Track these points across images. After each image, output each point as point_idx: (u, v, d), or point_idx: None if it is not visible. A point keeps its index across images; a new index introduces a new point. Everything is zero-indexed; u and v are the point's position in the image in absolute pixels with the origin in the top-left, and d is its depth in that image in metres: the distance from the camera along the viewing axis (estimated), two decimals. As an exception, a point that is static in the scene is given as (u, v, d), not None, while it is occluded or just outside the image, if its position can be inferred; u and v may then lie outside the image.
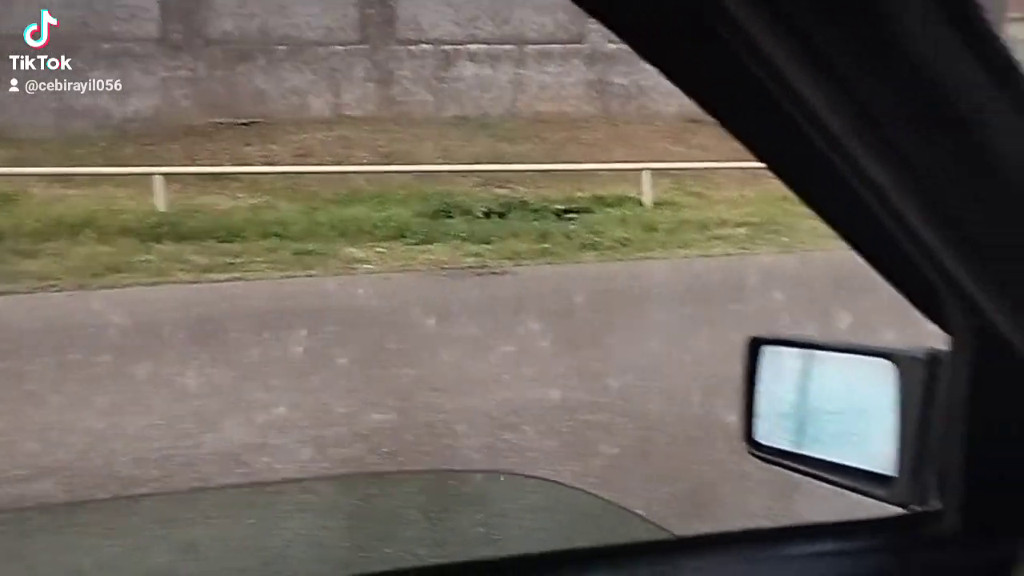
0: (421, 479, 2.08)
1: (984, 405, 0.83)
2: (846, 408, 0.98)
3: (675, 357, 5.20)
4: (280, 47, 14.22)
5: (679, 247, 9.93)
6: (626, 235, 10.15)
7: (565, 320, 6.27)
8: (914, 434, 0.89)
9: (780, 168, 0.82)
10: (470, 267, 8.89)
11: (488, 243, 9.75)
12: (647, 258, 9.42)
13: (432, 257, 9.31)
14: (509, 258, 9.27)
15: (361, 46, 14.64)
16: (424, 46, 14.85)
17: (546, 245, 9.79)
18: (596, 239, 10.00)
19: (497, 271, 8.71)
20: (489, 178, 12.23)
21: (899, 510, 0.92)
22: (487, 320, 6.38)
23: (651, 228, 10.46)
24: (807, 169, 0.78)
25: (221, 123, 13.45)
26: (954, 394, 0.84)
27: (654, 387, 4.68)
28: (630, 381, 4.75)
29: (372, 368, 5.13)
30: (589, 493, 1.48)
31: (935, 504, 0.87)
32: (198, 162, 11.96)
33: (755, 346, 1.07)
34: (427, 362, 5.18)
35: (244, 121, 13.64)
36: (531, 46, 15.08)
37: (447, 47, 14.93)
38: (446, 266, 8.95)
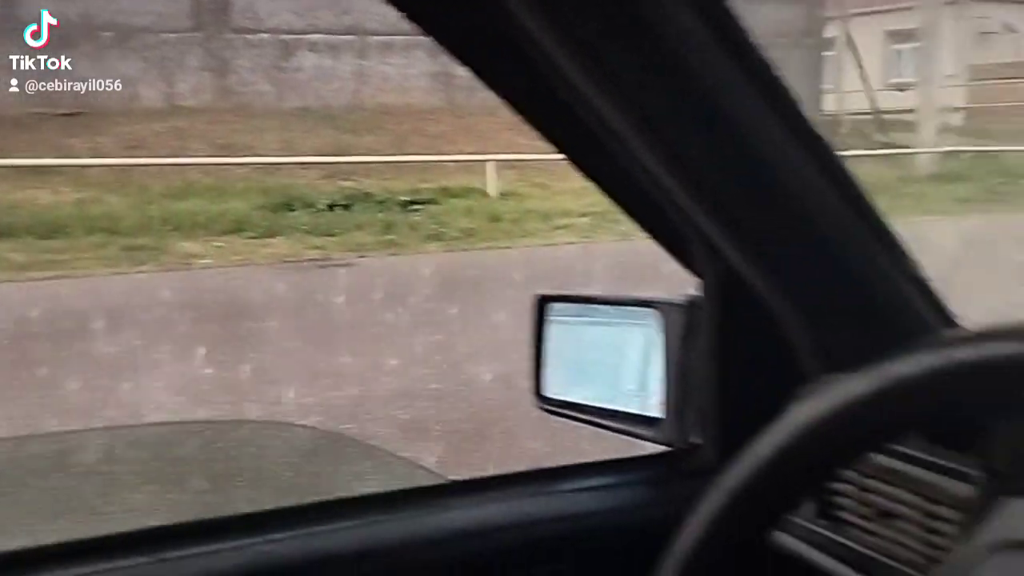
0: (174, 429, 2.02)
1: (733, 345, 0.90)
2: (621, 357, 1.04)
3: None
4: (105, 34, 13.47)
5: (523, 236, 10.11)
6: (471, 225, 10.24)
7: (403, 307, 6.26)
8: (677, 377, 0.95)
9: (557, 142, 0.88)
10: (313, 260, 8.75)
11: (332, 235, 9.62)
12: (492, 248, 9.54)
13: (273, 251, 9.10)
14: (353, 250, 9.18)
15: (194, 34, 14.07)
16: (262, 35, 14.44)
17: (391, 236, 9.76)
18: (441, 230, 10.04)
19: (341, 263, 8.60)
20: (333, 170, 12.05)
21: (668, 448, 0.99)
22: (326, 310, 6.31)
23: (496, 218, 10.61)
24: (576, 137, 0.84)
25: (42, 113, 12.61)
26: (708, 337, 0.91)
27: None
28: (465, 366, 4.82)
29: (200, 366, 4.96)
30: (359, 441, 1.50)
31: (696, 440, 0.94)
32: (15, 155, 11.18)
33: (542, 303, 1.11)
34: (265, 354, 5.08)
35: (68, 112, 12.85)
36: (373, 37, 14.91)
37: (286, 37, 14.57)
38: (288, 259, 8.77)
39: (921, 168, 14.49)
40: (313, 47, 14.74)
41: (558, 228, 10.47)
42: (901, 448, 0.75)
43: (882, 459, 0.77)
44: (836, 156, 0.71)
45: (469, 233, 10.03)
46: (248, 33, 14.32)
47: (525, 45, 0.67)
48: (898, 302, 0.74)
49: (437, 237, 9.84)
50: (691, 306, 0.94)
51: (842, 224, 0.72)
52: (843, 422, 0.50)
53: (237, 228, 9.62)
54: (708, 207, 0.75)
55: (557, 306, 1.10)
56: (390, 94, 15.01)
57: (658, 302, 0.97)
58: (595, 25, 0.61)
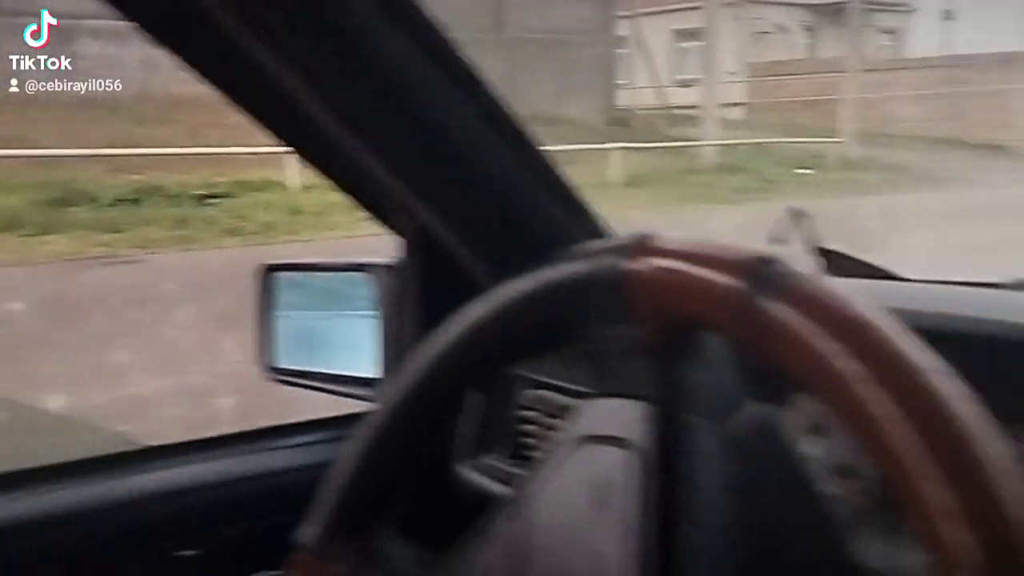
0: None
1: (435, 300, 0.95)
2: (343, 321, 1.06)
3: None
4: None
5: (326, 229, 9.93)
6: (271, 219, 9.99)
7: (189, 303, 6.03)
8: (390, 336, 0.99)
9: (261, 119, 0.90)
10: (97, 257, 8.25)
11: (119, 232, 9.12)
12: (294, 241, 9.33)
13: (53, 248, 8.51)
14: (143, 246, 8.74)
15: (-46, 16, 12.85)
16: (34, 19, 13.38)
17: (185, 232, 9.36)
18: (240, 224, 9.74)
19: (127, 260, 8.17)
20: (120, 164, 11.36)
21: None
22: (106, 310, 5.97)
23: (297, 211, 10.38)
24: (277, 113, 0.86)
25: None
26: (412, 294, 0.95)
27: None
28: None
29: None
30: (44, 410, 1.45)
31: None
32: None
33: (266, 273, 1.12)
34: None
35: None
36: (162, 23, 14.18)
37: (63, 21, 13.57)
38: (69, 257, 8.23)
39: (705, 160, 15.40)
40: (95, 33, 13.81)
41: (361, 220, 10.36)
42: (573, 386, 0.81)
43: (560, 398, 0.83)
44: (506, 112, 0.77)
45: (269, 227, 9.78)
46: (17, 16, 13.23)
47: (215, 24, 0.69)
48: (565, 240, 0.80)
49: (235, 232, 9.53)
50: (400, 267, 0.98)
51: (511, 174, 0.77)
52: (461, 349, 0.55)
53: (10, 225, 8.92)
54: (395, 170, 0.78)
55: (282, 275, 1.11)
56: (183, 84, 14.07)
57: (370, 265, 1.00)
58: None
